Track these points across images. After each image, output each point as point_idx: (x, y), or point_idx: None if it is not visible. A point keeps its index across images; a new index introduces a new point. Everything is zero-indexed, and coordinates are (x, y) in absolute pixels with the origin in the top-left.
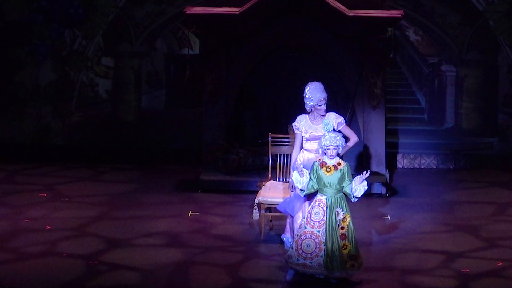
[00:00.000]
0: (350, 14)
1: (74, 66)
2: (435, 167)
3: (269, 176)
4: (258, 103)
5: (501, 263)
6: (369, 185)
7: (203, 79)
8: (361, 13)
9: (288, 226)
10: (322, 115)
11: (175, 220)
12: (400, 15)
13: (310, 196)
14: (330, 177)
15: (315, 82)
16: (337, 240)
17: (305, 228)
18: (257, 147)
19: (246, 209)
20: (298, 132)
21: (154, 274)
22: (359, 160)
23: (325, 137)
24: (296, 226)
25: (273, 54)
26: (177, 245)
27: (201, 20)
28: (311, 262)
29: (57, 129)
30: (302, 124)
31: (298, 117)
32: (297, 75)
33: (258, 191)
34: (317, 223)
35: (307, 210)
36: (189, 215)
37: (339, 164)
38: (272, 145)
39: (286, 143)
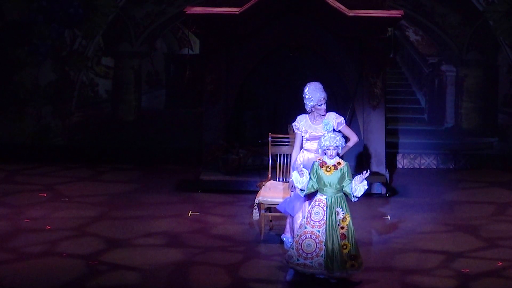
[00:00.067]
0: (350, 14)
1: (74, 66)
2: (435, 167)
3: (269, 176)
4: (258, 103)
5: (501, 263)
6: (369, 185)
7: (203, 79)
8: (361, 13)
9: (288, 226)
10: (322, 115)
11: (175, 220)
12: (400, 15)
13: (310, 196)
14: (330, 177)
15: (315, 82)
16: (337, 239)
17: (305, 228)
18: (257, 147)
19: (246, 209)
20: (298, 132)
21: (154, 274)
22: (359, 160)
23: (325, 138)
24: (296, 226)
25: (273, 54)
26: (177, 245)
27: (201, 20)
28: (312, 262)
29: (57, 129)
30: (302, 124)
31: (298, 117)
32: (297, 75)
33: (258, 191)
34: (317, 223)
35: (307, 210)
36: (189, 215)
37: (339, 163)
38: (272, 145)
39: (286, 143)
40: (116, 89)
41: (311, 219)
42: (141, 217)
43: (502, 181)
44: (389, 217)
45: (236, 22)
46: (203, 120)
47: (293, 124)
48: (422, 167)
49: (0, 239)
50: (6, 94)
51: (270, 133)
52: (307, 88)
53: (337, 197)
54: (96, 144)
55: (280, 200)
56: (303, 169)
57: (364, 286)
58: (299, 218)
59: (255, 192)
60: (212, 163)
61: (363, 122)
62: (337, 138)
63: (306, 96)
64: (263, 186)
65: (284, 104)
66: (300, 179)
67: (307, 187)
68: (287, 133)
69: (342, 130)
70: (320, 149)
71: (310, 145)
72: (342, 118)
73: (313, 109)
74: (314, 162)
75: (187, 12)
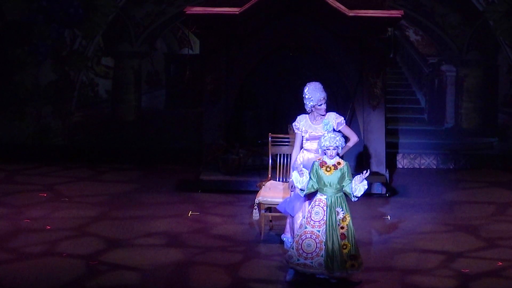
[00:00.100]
0: (350, 14)
1: (74, 66)
2: (435, 167)
3: (269, 176)
4: (258, 103)
5: (501, 263)
6: (369, 185)
7: (203, 79)
8: (361, 13)
9: (288, 226)
10: (322, 115)
11: (175, 220)
12: (400, 15)
13: (310, 196)
14: (330, 177)
15: (315, 82)
16: (337, 239)
17: (306, 228)
18: (257, 147)
19: (246, 209)
20: (298, 132)
21: (154, 274)
22: (359, 160)
23: (325, 138)
24: (296, 226)
25: (273, 54)
26: (177, 245)
27: (201, 20)
28: (312, 262)
29: (57, 129)
30: (302, 124)
31: (298, 117)
32: (297, 75)
33: (258, 191)
34: (317, 222)
35: (307, 210)
36: (189, 215)
37: (339, 163)
38: (272, 145)
39: (286, 143)
40: (116, 89)
41: (311, 219)
42: (141, 217)
43: (502, 181)
44: (389, 217)
45: (236, 22)
46: (203, 120)
47: (293, 124)
48: (422, 167)
49: (0, 239)
50: (6, 94)
51: (270, 133)
52: (307, 88)
53: (337, 197)
54: (96, 144)
55: (280, 200)
56: (303, 169)
57: (364, 286)
58: (299, 218)
59: (255, 192)
60: (212, 163)
61: (363, 122)
62: (337, 138)
63: (306, 96)
64: (263, 186)
65: (284, 104)
66: (300, 179)
67: (307, 187)
68: (287, 133)
69: (342, 130)
70: (320, 149)
71: (310, 145)
72: (342, 118)
73: (313, 109)
74: (314, 162)
75: (187, 12)
